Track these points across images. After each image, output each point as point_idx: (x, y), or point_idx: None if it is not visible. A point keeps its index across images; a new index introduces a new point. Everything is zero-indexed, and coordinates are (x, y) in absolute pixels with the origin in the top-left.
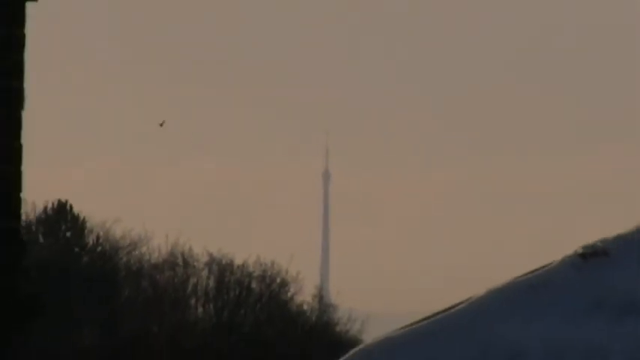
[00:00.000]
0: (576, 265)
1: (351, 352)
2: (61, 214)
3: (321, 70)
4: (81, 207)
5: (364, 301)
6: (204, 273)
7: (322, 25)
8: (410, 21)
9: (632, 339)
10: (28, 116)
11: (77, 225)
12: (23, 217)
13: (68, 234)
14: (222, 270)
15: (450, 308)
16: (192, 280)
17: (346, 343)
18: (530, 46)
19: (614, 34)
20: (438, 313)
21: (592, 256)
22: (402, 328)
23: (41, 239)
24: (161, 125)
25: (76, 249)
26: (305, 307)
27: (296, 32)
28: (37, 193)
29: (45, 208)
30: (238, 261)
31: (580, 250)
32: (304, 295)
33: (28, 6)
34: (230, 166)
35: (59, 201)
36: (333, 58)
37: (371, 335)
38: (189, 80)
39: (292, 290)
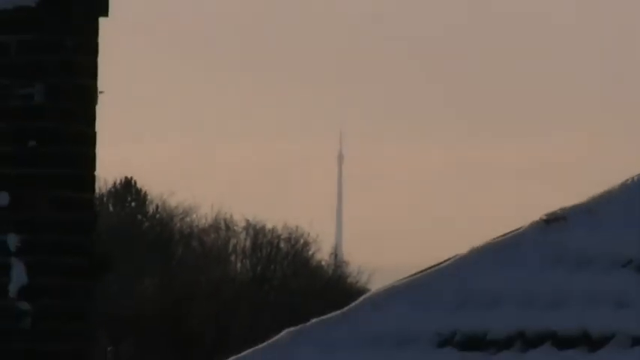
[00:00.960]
0: (540, 229)
1: (360, 299)
2: (127, 189)
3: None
4: (143, 182)
5: (371, 258)
6: (242, 235)
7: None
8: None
9: (586, 286)
10: (104, 106)
11: (140, 197)
12: (97, 191)
13: (133, 204)
14: (257, 233)
15: (440, 263)
16: (233, 241)
17: (356, 292)
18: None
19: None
20: (430, 267)
21: (553, 221)
22: (401, 279)
23: (111, 209)
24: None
25: (139, 216)
26: (323, 263)
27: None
28: (107, 171)
29: (114, 184)
30: (269, 226)
31: (544, 217)
32: (322, 254)
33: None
34: (261, 149)
35: (126, 177)
36: (345, 54)
37: (376, 286)
38: (233, 73)
39: (312, 249)
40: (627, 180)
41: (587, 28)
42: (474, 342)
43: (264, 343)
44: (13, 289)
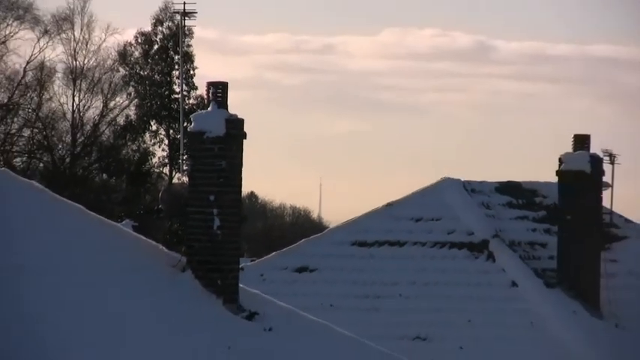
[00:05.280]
0: (384, 208)
1: (325, 231)
2: (252, 198)
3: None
4: (258, 192)
5: (332, 218)
6: (289, 210)
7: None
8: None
9: (390, 227)
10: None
11: (255, 199)
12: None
13: (253, 200)
14: (293, 209)
15: (352, 219)
16: (286, 212)
17: (323, 229)
18: None
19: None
20: (348, 220)
21: (389, 205)
22: (336, 225)
23: (246, 202)
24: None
25: (257, 205)
26: (315, 218)
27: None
28: (245, 189)
29: (247, 193)
30: (297, 206)
31: (386, 204)
32: (314, 215)
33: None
34: (295, 184)
35: (252, 191)
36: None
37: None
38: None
39: (312, 213)
40: (426, 186)
41: None
42: (367, 244)
43: (294, 245)
44: (215, 225)
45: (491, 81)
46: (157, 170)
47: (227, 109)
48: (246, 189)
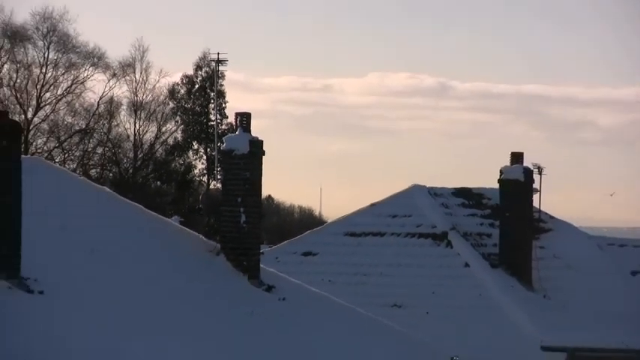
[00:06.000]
0: (370, 207)
1: (324, 225)
2: (269, 200)
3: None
4: (273, 194)
5: (330, 214)
6: (297, 209)
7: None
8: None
9: (378, 222)
10: (268, 171)
11: (272, 201)
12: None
13: (266, 202)
14: (300, 208)
15: (345, 215)
16: (295, 211)
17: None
18: None
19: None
20: (342, 216)
21: (373, 205)
22: (335, 220)
23: (265, 203)
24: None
25: (273, 205)
26: (316, 214)
27: None
28: (264, 192)
29: (266, 196)
30: (304, 206)
31: (370, 204)
32: (316, 213)
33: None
34: (304, 191)
35: (269, 195)
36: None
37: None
38: None
39: (315, 211)
40: (400, 191)
41: None
42: (356, 234)
43: (301, 235)
44: (242, 220)
45: (450, 112)
46: (198, 179)
47: (250, 133)
48: (264, 193)
